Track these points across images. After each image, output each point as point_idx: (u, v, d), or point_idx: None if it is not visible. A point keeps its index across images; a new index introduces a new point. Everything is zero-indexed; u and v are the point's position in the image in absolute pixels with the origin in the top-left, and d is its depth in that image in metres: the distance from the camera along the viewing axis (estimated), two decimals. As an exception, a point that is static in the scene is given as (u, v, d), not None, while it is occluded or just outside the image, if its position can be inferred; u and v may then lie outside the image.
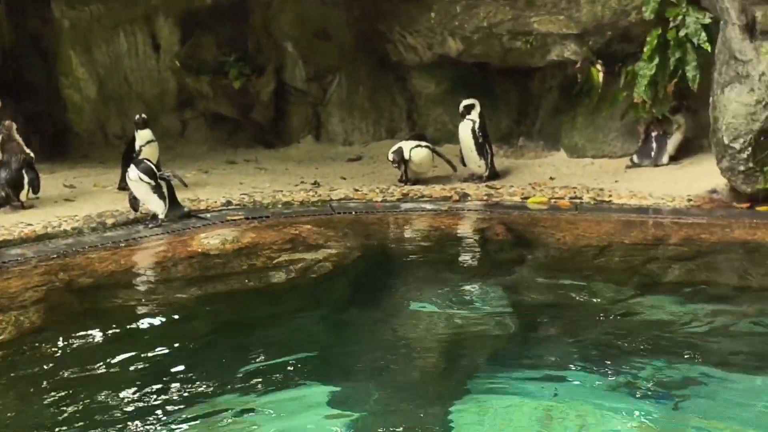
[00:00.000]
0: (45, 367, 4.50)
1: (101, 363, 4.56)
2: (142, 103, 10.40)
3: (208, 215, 7.27)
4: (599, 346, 4.77)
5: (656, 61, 8.04)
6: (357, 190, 8.14)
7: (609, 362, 4.57)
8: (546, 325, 5.25)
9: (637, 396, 4.18)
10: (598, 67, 8.68)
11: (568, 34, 8.77)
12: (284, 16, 10.52)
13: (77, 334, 4.95)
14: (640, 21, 8.29)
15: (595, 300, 5.56)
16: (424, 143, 8.68)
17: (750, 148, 6.93)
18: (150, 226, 6.93)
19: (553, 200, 7.73)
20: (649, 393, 4.20)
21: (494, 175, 8.71)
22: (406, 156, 8.49)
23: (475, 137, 8.54)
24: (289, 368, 4.58)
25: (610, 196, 7.73)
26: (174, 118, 10.68)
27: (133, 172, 6.90)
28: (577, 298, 5.59)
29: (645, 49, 8.07)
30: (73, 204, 7.58)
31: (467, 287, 5.89)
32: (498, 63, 9.59)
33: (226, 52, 10.45)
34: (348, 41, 10.48)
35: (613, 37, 8.65)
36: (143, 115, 8.35)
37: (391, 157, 8.54)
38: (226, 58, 10.35)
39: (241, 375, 4.45)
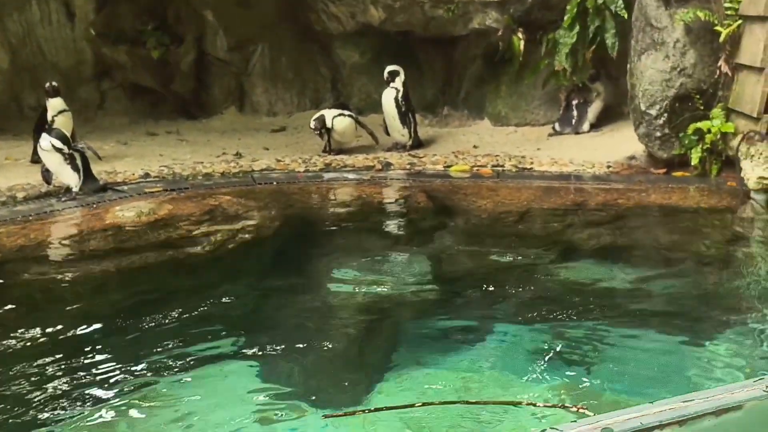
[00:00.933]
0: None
1: (11, 340, 4.41)
2: (58, 73, 10.05)
3: (125, 188, 7.09)
4: (519, 312, 4.79)
5: (576, 29, 8.10)
6: (279, 161, 8.05)
7: (529, 327, 4.59)
8: (466, 292, 5.26)
9: (555, 360, 4.19)
10: (520, 35, 8.70)
11: (489, 2, 8.76)
12: (204, -16, 10.28)
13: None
14: (560, -11, 8.34)
15: (515, 266, 5.60)
16: (347, 112, 8.60)
17: (666, 115, 7.07)
18: (63, 199, 6.73)
19: (475, 168, 7.76)
20: (568, 357, 4.23)
21: (418, 144, 8.70)
22: (329, 124, 8.40)
23: (398, 106, 8.49)
24: (209, 341, 4.48)
25: (532, 163, 7.80)
26: (92, 89, 10.37)
27: (45, 141, 6.67)
28: (498, 265, 5.63)
29: (565, 18, 8.12)
30: (-17, 178, 7.31)
31: (389, 255, 5.88)
32: (421, 32, 9.55)
33: (144, 20, 10.17)
34: (270, 10, 10.29)
35: (534, 5, 8.67)
36: (53, 83, 8.02)
37: (312, 124, 8.45)
38: (144, 27, 10.08)
39: (161, 350, 4.33)
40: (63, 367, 4.12)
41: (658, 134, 7.14)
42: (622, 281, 5.20)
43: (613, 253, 5.71)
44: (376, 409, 3.57)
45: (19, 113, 10.25)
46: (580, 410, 2.79)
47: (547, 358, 4.20)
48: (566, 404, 3.16)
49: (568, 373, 4.03)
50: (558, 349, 4.31)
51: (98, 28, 10.10)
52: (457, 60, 9.99)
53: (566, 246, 5.95)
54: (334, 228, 6.53)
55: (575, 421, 1.58)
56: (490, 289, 5.19)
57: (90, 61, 10.34)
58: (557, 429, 1.52)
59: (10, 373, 4.02)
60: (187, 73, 10.31)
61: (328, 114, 8.49)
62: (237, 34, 10.34)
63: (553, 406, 3.34)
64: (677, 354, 4.20)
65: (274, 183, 7.44)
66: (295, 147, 8.95)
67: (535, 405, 3.41)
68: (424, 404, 3.54)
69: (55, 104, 7.84)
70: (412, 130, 8.61)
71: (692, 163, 6.97)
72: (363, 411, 3.57)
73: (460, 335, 4.58)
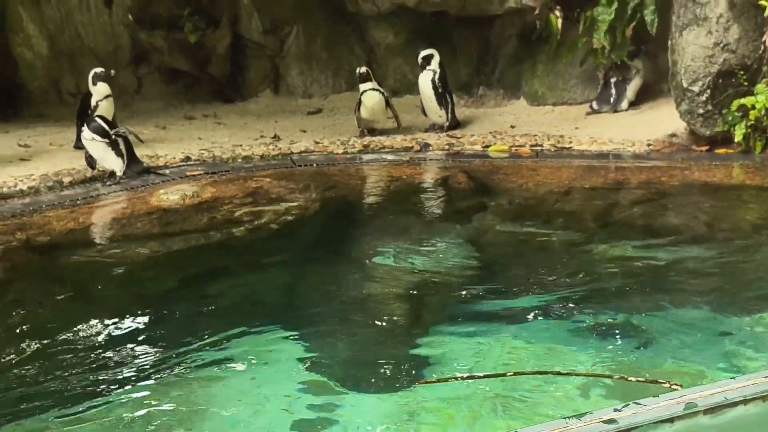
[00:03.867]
0: (3, 326, 4.42)
1: (62, 320, 4.49)
2: (96, 59, 10.13)
3: (167, 171, 7.16)
4: (564, 289, 4.79)
5: (615, 5, 8.01)
6: (318, 143, 8.08)
7: (574, 305, 4.58)
8: (510, 271, 5.27)
9: (603, 336, 4.19)
10: (557, 13, 8.62)
11: (526, -20, 8.71)
12: (238, -33, 10.31)
13: (37, 292, 4.89)
14: (598, -34, 8.24)
15: (558, 245, 5.59)
16: (379, 88, 8.55)
17: (708, 91, 6.98)
18: (108, 183, 6.82)
19: (513, 148, 7.74)
20: (615, 333, 4.23)
21: (455, 124, 8.68)
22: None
23: (435, 87, 8.47)
24: (252, 321, 4.53)
25: (571, 142, 7.77)
26: (129, 74, 10.43)
27: (86, 132, 6.78)
28: (541, 244, 5.62)
29: (603, -6, 8.04)
30: (29, 163, 7.40)
31: (430, 236, 5.88)
32: (456, 11, 9.51)
33: (180, 5, 10.21)
34: (304, -8, 10.31)
35: (572, -17, 8.60)
36: (102, 69, 8.11)
37: None
38: (181, 11, 10.12)
39: (204, 329, 4.38)
40: (112, 346, 4.19)
41: (701, 111, 7.06)
42: (667, 259, 5.15)
43: (658, 232, 5.67)
44: (470, 377, 3.65)
45: (59, 99, 10.38)
46: (673, 386, 2.78)
47: (592, 333, 4.21)
48: (658, 380, 3.15)
49: (614, 347, 4.04)
50: (609, 324, 4.30)
51: (135, 13, 10.17)
52: (492, 39, 9.94)
53: (609, 225, 5.94)
54: (376, 209, 6.57)
55: (657, 396, 1.58)
56: (535, 267, 5.18)
57: (127, 46, 10.42)
58: (641, 403, 1.53)
59: (59, 354, 4.09)
60: (223, 56, 10.35)
61: (361, 88, 8.49)
62: (271, 16, 10.36)
63: (645, 381, 3.33)
64: (728, 329, 4.18)
65: (314, 165, 7.47)
66: (332, 129, 8.98)
67: (626, 379, 3.42)
68: (515, 374, 3.58)
69: (101, 89, 7.92)
70: (450, 110, 8.59)
71: (736, 140, 6.90)
72: (456, 378, 3.65)
73: (504, 311, 4.58)
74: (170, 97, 10.52)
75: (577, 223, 5.94)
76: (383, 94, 8.54)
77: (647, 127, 7.90)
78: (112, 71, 8.16)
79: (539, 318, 4.48)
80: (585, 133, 8.02)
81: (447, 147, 7.93)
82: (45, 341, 4.22)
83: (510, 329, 4.31)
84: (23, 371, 3.91)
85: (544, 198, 6.49)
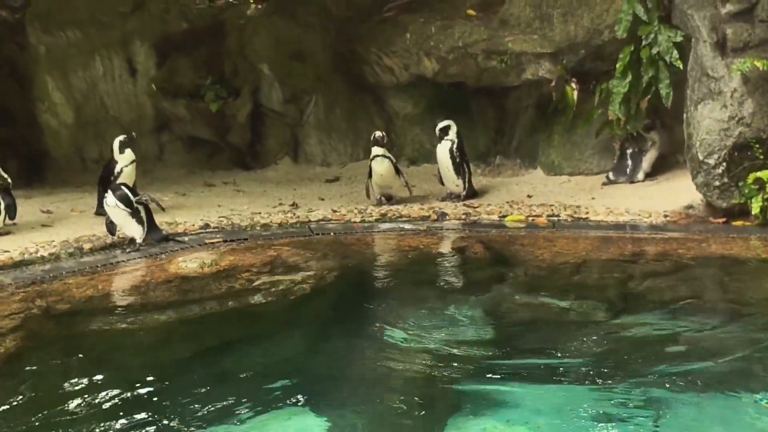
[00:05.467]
0: (20, 395, 4.44)
1: (78, 389, 4.51)
2: (120, 127, 10.34)
3: (186, 238, 7.24)
4: (580, 365, 4.76)
5: (629, 78, 8.13)
6: (335, 211, 8.15)
7: (589, 382, 4.55)
8: (526, 345, 5.22)
9: (618, 414, 4.15)
10: (573, 85, 8.77)
11: (542, 53, 8.86)
12: (259, 39, 10.56)
13: (54, 361, 4.91)
14: (612, 39, 8.39)
15: (574, 318, 5.57)
16: (388, 155, 8.65)
17: (724, 164, 7.03)
18: (128, 250, 6.89)
19: (530, 218, 7.77)
20: (630, 411, 4.18)
21: (472, 194, 8.75)
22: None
23: (452, 157, 8.57)
24: (270, 393, 4.54)
25: (587, 213, 7.79)
26: (151, 141, 10.65)
27: (110, 198, 6.87)
28: (557, 316, 5.60)
29: (617, 66, 8.16)
30: (51, 229, 7.52)
31: (448, 307, 5.87)
32: (474, 82, 9.67)
33: (203, 75, 10.46)
34: (324, 62, 10.53)
35: (587, 56, 8.75)
36: (125, 136, 8.31)
37: None
38: (203, 81, 10.36)
39: (221, 400, 4.40)
40: (125, 417, 4.19)
41: (717, 183, 7.09)
42: (684, 336, 5.14)
43: (675, 306, 5.62)
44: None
45: (83, 166, 10.57)
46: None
47: (607, 412, 4.16)
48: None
49: (629, 427, 3.99)
50: (618, 402, 4.26)
51: (159, 83, 10.41)
52: (509, 109, 10.08)
53: (626, 297, 5.91)
54: (393, 278, 6.57)
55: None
56: (549, 342, 5.14)
57: (150, 114, 10.64)
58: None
59: (73, 422, 4.10)
60: (244, 124, 10.54)
61: (372, 151, 8.59)
62: (292, 86, 10.57)
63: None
64: (748, 406, 4.13)
65: (332, 234, 7.53)
66: (349, 197, 9.07)
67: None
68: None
69: (127, 156, 8.10)
70: (467, 180, 8.67)
71: (753, 213, 6.90)
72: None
73: (519, 389, 4.54)
74: (191, 164, 10.69)
75: (594, 295, 5.91)
76: (392, 161, 8.64)
77: (664, 199, 7.92)
78: (134, 134, 8.36)
79: (555, 396, 4.42)
80: (601, 204, 8.05)
81: (464, 216, 7.97)
82: (59, 409, 4.24)
83: (522, 412, 4.26)
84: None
85: (561, 269, 6.48)
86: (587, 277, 6.33)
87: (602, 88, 8.46)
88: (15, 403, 4.32)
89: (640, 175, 8.71)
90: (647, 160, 8.70)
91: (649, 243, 7.01)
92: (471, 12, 9.24)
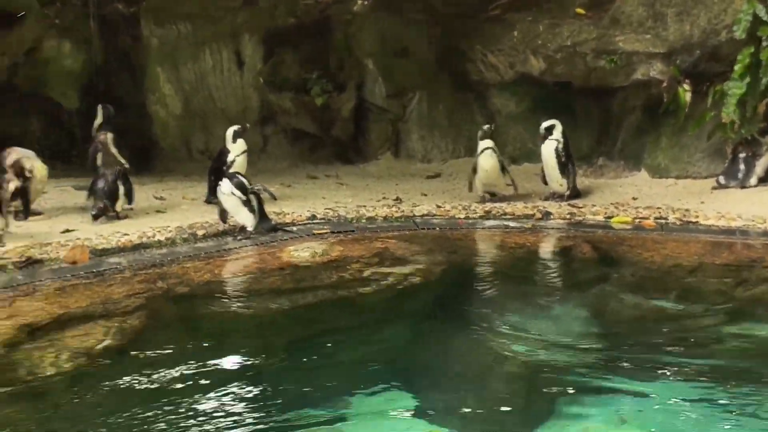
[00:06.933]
0: (144, 372, 4.60)
1: (194, 367, 4.65)
2: (226, 118, 10.60)
3: (294, 228, 7.38)
4: (687, 366, 4.67)
5: (747, 80, 7.93)
6: (440, 207, 8.18)
7: (696, 383, 4.46)
8: (633, 345, 5.16)
9: (723, 417, 4.07)
10: (686, 86, 8.58)
11: (655, 53, 8.72)
12: (365, 34, 10.67)
13: (173, 340, 5.08)
14: (730, 40, 8.19)
15: (684, 321, 5.46)
16: (496, 149, 8.62)
17: None
18: (239, 237, 7.06)
19: (637, 220, 7.64)
20: (736, 417, 4.08)
21: (576, 194, 8.67)
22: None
23: (558, 156, 8.50)
24: (371, 378, 4.60)
25: (697, 216, 7.62)
26: (256, 133, 10.85)
27: (226, 185, 7.03)
28: (666, 318, 5.50)
29: (736, 68, 7.96)
30: (165, 215, 7.77)
31: (554, 304, 5.85)
32: (580, 82, 9.57)
33: (308, 69, 10.63)
34: (428, 59, 10.57)
35: (702, 57, 8.56)
36: (239, 126, 8.54)
37: None
38: (308, 75, 10.53)
39: (326, 382, 4.52)
40: (237, 397, 4.32)
41: (837, 190, 6.86)
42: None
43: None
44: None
45: (188, 156, 10.89)
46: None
47: (714, 422, 4.07)
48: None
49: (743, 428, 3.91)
50: (733, 406, 4.15)
51: (265, 76, 10.63)
52: (615, 110, 9.93)
53: (740, 304, 5.74)
54: (499, 274, 6.56)
55: None
56: (656, 343, 5.06)
57: (255, 107, 10.88)
58: None
59: (187, 397, 4.26)
60: (348, 119, 10.68)
61: (480, 144, 8.58)
62: (396, 82, 10.66)
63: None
64: None
65: (437, 228, 7.56)
66: (451, 193, 9.09)
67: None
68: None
69: (240, 146, 8.32)
70: (572, 180, 8.59)
71: None
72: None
73: (622, 387, 4.47)
74: (294, 156, 10.89)
75: (707, 299, 5.79)
76: (499, 157, 8.62)
77: (778, 204, 7.70)
78: (247, 125, 8.56)
79: (656, 404, 4.33)
80: (711, 208, 7.86)
81: (568, 216, 7.90)
82: (176, 386, 4.42)
83: (626, 413, 4.20)
84: (156, 414, 4.07)
85: (672, 272, 6.36)
86: (700, 281, 6.18)
87: (716, 90, 8.27)
88: (139, 378, 4.49)
89: (753, 180, 8.46)
90: (761, 165, 8.45)
91: (764, 249, 6.81)
92: (580, 11, 9.16)
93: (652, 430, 4.01)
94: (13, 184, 7.13)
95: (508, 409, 4.30)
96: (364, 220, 7.72)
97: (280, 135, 11.02)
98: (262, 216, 7.20)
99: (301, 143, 10.98)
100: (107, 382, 4.41)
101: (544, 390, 4.52)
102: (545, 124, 8.61)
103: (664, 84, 8.70)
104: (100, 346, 4.74)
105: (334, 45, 10.83)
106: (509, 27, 9.58)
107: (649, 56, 8.81)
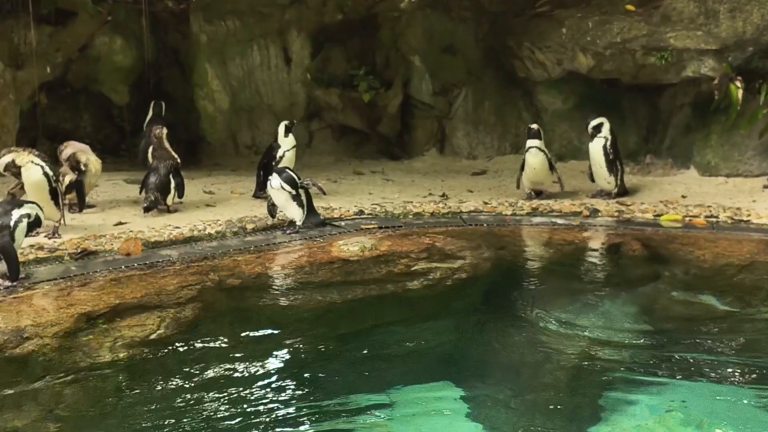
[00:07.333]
0: (198, 361, 4.69)
1: (245, 359, 4.74)
2: (273, 114, 10.72)
3: (342, 223, 7.43)
4: (738, 365, 4.65)
5: (801, 77, 7.82)
6: (486, 203, 8.18)
7: (748, 388, 4.43)
8: (683, 341, 5.13)
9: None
10: (738, 83, 8.47)
11: (707, 50, 8.62)
12: (412, 31, 10.70)
13: (225, 331, 5.15)
14: (785, 37, 8.09)
15: (736, 319, 5.42)
16: (543, 148, 8.59)
17: None
18: (288, 232, 7.13)
19: (687, 218, 7.57)
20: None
21: (623, 192, 8.61)
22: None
23: (606, 154, 8.45)
24: (420, 371, 4.68)
25: (749, 215, 7.53)
26: (302, 129, 10.95)
27: (275, 180, 7.10)
28: (717, 316, 5.46)
29: (789, 66, 7.85)
30: (214, 209, 7.88)
31: (603, 300, 5.82)
32: (629, 79, 9.49)
33: (355, 65, 10.69)
34: (475, 56, 10.57)
35: (755, 53, 8.44)
36: (289, 121, 8.65)
37: None
38: (356, 71, 10.58)
39: (374, 374, 4.58)
40: (285, 387, 4.41)
41: None
42: None
43: None
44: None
45: (235, 151, 11.00)
46: None
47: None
48: None
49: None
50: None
51: (312, 72, 10.70)
52: (663, 108, 9.84)
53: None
54: (547, 271, 6.55)
55: None
56: (707, 340, 5.05)
57: (302, 103, 10.96)
58: None
59: (238, 387, 4.34)
60: (394, 115, 10.71)
61: (528, 144, 8.57)
62: (442, 79, 10.67)
63: None
64: None
65: (484, 225, 7.56)
66: (498, 190, 9.08)
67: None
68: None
69: (290, 140, 8.42)
70: (619, 178, 8.53)
71: None
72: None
73: (673, 389, 4.45)
74: (339, 152, 10.96)
75: (758, 298, 5.74)
76: (547, 155, 8.59)
77: (832, 203, 7.58)
78: (295, 120, 8.66)
79: (705, 401, 4.32)
80: (763, 207, 7.77)
81: (617, 214, 7.85)
82: (227, 375, 4.52)
83: (677, 405, 4.19)
84: (205, 402, 4.17)
85: (724, 270, 6.29)
86: (753, 279, 6.12)
87: (769, 87, 8.17)
88: (193, 367, 4.58)
89: (806, 179, 8.35)
90: (814, 163, 8.34)
91: (821, 249, 6.72)
92: (630, 7, 9.09)
93: (701, 427, 3.99)
94: (68, 178, 7.28)
95: (556, 404, 4.32)
96: (411, 216, 7.75)
97: (325, 131, 11.09)
98: (310, 211, 7.26)
99: (347, 139, 11.04)
100: (162, 371, 4.52)
101: (593, 386, 4.55)
102: (593, 122, 8.55)
103: (716, 81, 8.60)
104: (155, 336, 4.85)
105: (381, 42, 10.87)
106: (557, 24, 9.53)
107: (700, 53, 8.72)
